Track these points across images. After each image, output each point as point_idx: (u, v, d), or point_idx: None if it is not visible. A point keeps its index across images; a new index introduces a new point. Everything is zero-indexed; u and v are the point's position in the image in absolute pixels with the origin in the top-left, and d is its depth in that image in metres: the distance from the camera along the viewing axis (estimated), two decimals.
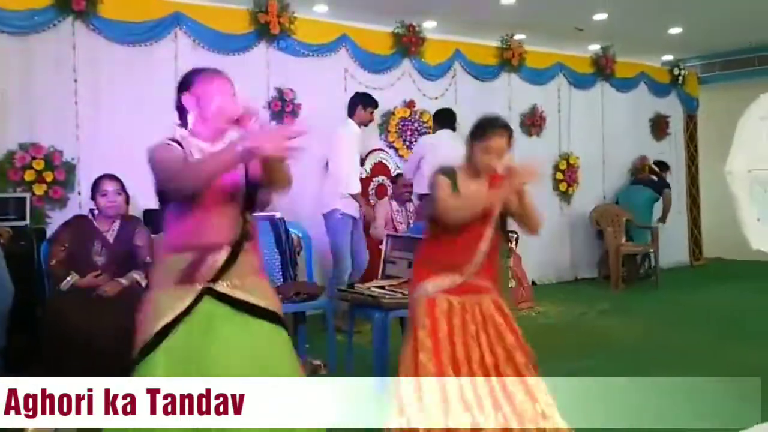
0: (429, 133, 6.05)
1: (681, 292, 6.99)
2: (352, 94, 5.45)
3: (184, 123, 2.21)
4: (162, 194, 2.14)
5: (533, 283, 6.82)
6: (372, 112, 5.35)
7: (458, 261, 2.68)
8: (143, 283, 3.64)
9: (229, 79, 2.22)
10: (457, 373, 2.52)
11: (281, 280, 4.30)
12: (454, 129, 5.50)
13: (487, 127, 2.63)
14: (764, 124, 2.62)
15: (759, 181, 2.68)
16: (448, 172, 2.72)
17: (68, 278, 3.50)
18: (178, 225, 2.12)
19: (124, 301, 3.45)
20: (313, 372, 3.93)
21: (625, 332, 5.24)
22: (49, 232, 4.24)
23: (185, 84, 2.21)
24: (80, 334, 3.24)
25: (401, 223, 5.56)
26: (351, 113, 5.27)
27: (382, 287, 3.84)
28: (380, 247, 4.32)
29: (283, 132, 2.00)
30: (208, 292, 2.09)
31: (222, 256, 2.10)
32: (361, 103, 5.26)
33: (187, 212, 2.09)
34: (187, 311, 2.06)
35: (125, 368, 3.18)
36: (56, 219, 4.53)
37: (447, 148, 4.97)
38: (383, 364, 3.77)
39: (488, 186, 2.70)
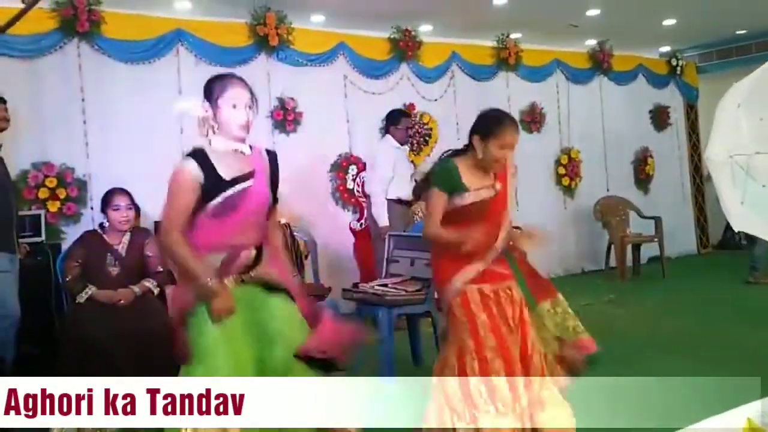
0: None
1: (688, 281, 7.03)
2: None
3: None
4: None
5: None
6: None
7: (480, 248, 2.69)
8: (155, 291, 3.80)
9: (246, 85, 2.44)
10: (507, 360, 2.58)
11: None
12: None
13: (501, 124, 2.65)
14: (741, 112, 2.69)
15: (740, 165, 2.75)
16: (448, 170, 2.70)
17: (86, 290, 3.64)
18: (213, 228, 2.35)
19: (137, 308, 3.65)
20: None
21: (630, 321, 5.32)
22: (64, 246, 4.39)
23: (205, 92, 2.42)
24: (97, 340, 3.41)
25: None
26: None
27: (385, 285, 3.96)
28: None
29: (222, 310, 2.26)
30: (240, 283, 2.38)
31: (251, 254, 2.41)
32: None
33: (223, 219, 2.33)
34: None
35: (139, 369, 3.35)
36: (70, 234, 4.69)
37: (383, 153, 5.28)
38: (390, 360, 3.89)
39: (495, 179, 2.74)
